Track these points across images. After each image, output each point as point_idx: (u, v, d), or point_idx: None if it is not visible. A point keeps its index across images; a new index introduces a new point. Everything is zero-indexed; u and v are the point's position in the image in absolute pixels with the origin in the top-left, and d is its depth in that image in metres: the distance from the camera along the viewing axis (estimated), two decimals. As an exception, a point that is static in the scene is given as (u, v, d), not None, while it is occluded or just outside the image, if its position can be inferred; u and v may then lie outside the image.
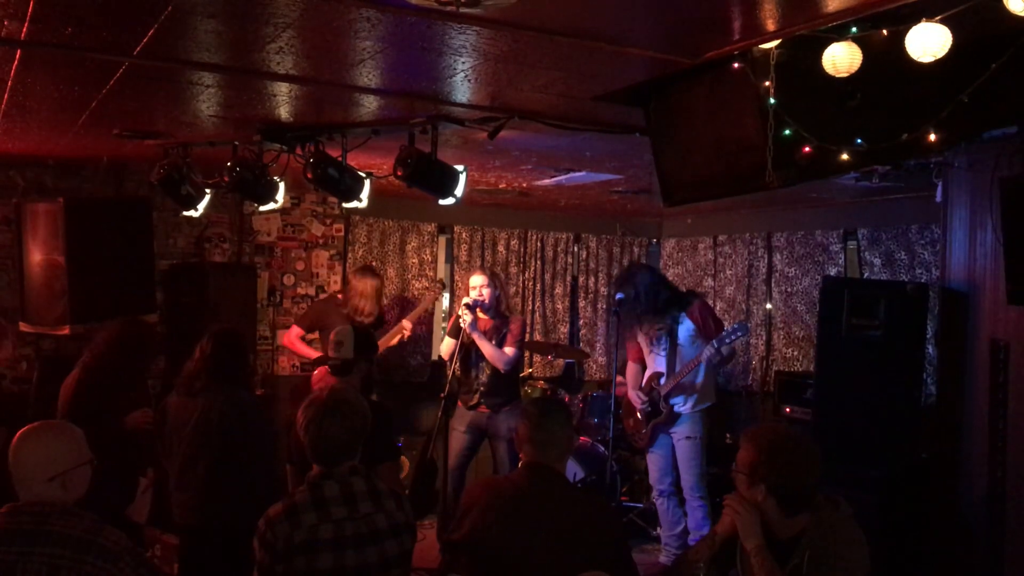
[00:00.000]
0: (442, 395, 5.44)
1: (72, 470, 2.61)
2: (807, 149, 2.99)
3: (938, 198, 4.68)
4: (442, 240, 7.60)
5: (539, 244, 7.85)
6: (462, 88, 3.58)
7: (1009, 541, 4.10)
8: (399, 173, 4.03)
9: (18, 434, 2.64)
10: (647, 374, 5.68)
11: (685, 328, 5.49)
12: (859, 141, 3.05)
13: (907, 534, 4.52)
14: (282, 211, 6.70)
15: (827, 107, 3.02)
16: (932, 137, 3.03)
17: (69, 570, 2.43)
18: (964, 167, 4.40)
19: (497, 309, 5.68)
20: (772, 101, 2.94)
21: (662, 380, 5.54)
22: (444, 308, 7.60)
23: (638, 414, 5.70)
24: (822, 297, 4.76)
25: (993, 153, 4.05)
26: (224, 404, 3.91)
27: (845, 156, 3.07)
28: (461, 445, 5.66)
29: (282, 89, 3.71)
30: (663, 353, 5.56)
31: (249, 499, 3.73)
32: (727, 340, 5.28)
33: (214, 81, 3.60)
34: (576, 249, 8.07)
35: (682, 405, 5.51)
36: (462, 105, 3.85)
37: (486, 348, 5.51)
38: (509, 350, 5.56)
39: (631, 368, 5.84)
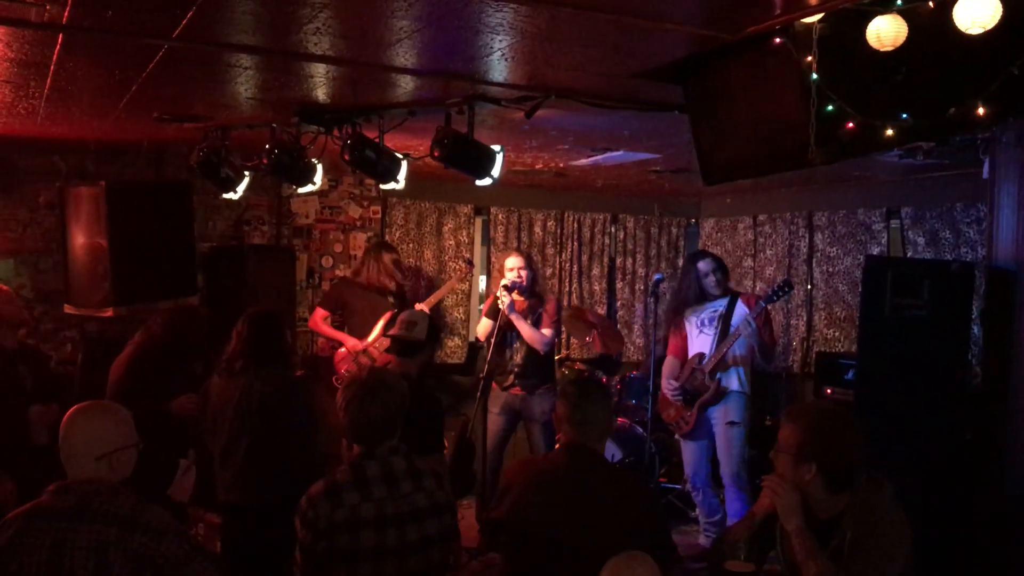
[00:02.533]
0: (481, 375, 5.45)
1: (120, 451, 2.65)
2: (851, 125, 2.93)
3: (985, 175, 4.57)
4: (478, 222, 7.59)
5: (576, 225, 7.81)
6: (499, 67, 3.56)
7: (1057, 524, 4.03)
8: (436, 154, 4.02)
9: (69, 412, 2.68)
10: (689, 356, 5.63)
11: (738, 314, 5.47)
12: (905, 116, 2.97)
13: (950, 517, 4.46)
14: (320, 193, 6.72)
15: (871, 82, 2.95)
16: (980, 111, 2.95)
17: (116, 547, 2.47)
18: (1012, 143, 4.29)
19: (532, 290, 5.68)
20: (814, 77, 2.88)
21: (703, 360, 5.50)
22: (481, 290, 7.60)
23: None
24: (864, 277, 4.67)
25: (1043, 128, 3.95)
26: (265, 384, 3.96)
27: (890, 132, 2.99)
28: (497, 426, 5.68)
29: (319, 70, 3.72)
30: (711, 334, 5.52)
31: (289, 477, 3.78)
32: (773, 299, 5.32)
33: (252, 63, 3.62)
34: (613, 230, 8.02)
35: (727, 380, 5.47)
36: (499, 84, 3.83)
37: (524, 329, 5.51)
38: (546, 331, 5.57)
39: (668, 361, 5.81)
